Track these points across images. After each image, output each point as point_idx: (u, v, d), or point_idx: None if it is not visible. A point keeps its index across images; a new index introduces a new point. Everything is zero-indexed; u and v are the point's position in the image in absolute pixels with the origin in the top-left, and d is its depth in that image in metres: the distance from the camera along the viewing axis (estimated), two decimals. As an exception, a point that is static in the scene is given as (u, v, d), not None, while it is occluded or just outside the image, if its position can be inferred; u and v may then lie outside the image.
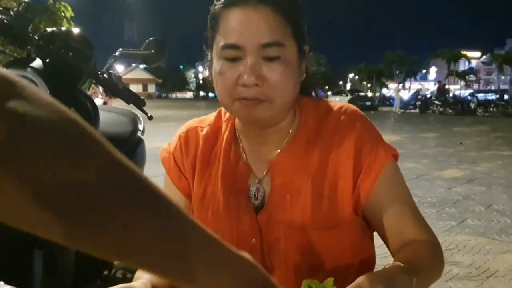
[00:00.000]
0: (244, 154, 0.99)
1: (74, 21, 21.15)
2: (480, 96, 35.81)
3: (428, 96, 30.54)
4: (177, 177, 1.03)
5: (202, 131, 1.04)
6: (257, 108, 0.87)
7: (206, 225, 0.98)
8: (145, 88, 76.68)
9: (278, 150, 0.96)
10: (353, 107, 0.99)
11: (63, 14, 19.91)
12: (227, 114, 1.03)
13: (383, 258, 1.05)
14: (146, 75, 70.60)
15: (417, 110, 28.19)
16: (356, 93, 36.05)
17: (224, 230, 0.92)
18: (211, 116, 1.06)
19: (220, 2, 0.89)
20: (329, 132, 0.95)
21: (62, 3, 20.14)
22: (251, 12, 0.85)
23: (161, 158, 1.06)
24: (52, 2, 19.78)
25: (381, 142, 0.95)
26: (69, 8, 20.22)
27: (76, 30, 1.84)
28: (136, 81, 69.14)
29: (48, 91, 1.60)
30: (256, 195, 0.96)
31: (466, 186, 5.96)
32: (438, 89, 28.87)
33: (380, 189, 0.91)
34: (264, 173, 0.96)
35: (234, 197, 0.95)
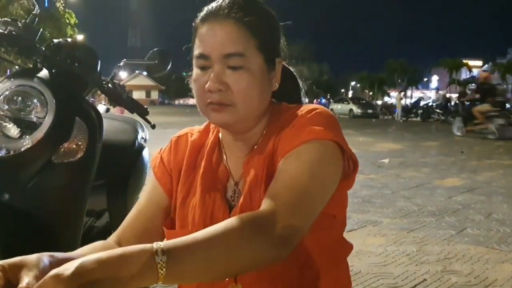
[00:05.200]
0: (225, 159, 1.07)
1: (78, 27, 21.28)
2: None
3: (430, 104, 30.52)
4: (161, 172, 1.10)
5: (191, 136, 1.12)
6: (223, 112, 0.96)
7: (186, 222, 1.03)
8: (148, 94, 76.83)
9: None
10: (319, 106, 1.01)
11: (67, 21, 20.04)
12: None
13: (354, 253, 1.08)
14: (149, 82, 70.75)
15: (418, 118, 28.17)
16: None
17: (199, 227, 0.96)
18: (204, 124, 1.15)
19: (198, 18, 1.00)
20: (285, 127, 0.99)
21: (67, 10, 20.28)
22: (217, 26, 0.96)
23: (151, 162, 1.15)
24: (60, 10, 19.89)
25: (310, 126, 0.94)
26: (73, 15, 20.35)
27: (80, 37, 1.88)
28: (139, 87, 69.27)
29: (54, 101, 1.64)
30: (233, 197, 1.03)
31: (466, 195, 5.97)
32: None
33: (284, 162, 0.92)
34: (240, 176, 1.03)
35: (210, 196, 1.02)
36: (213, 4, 0.99)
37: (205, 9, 1.00)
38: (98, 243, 1.00)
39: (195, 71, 0.99)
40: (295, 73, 1.17)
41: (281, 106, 1.06)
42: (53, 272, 0.62)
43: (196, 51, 0.98)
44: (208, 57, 0.96)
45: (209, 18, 0.97)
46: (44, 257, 0.71)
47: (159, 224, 1.07)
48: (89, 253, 0.89)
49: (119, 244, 1.03)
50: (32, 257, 0.70)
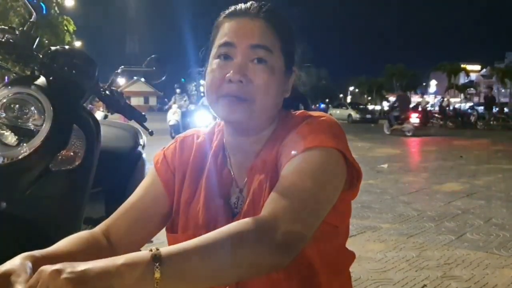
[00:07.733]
0: (229, 163, 1.06)
1: (76, 34, 21.29)
2: (480, 109, 35.78)
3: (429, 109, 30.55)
4: (163, 169, 1.09)
5: (197, 138, 1.11)
6: (238, 107, 0.96)
7: (189, 226, 1.02)
8: (146, 100, 76.92)
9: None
10: (324, 114, 1.01)
11: (65, 28, 20.06)
12: (221, 124, 1.10)
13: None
14: (147, 88, 70.83)
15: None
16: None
17: (201, 232, 0.95)
18: (210, 127, 1.14)
19: (224, 14, 1.03)
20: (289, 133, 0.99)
21: (65, 17, 20.31)
22: (247, 21, 0.99)
23: (154, 158, 1.13)
24: (56, 16, 19.91)
25: (313, 134, 0.93)
26: (72, 22, 20.37)
27: (78, 44, 1.89)
28: (138, 94, 69.35)
29: (51, 108, 1.64)
30: (236, 203, 1.02)
31: (465, 200, 5.96)
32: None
33: (287, 168, 0.91)
34: (244, 182, 1.02)
35: (213, 202, 1.01)
36: (241, 5, 1.02)
37: (231, 8, 1.03)
38: (83, 233, 0.98)
39: (215, 61, 0.99)
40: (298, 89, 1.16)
41: (287, 114, 1.06)
42: (55, 267, 0.63)
43: (221, 40, 0.99)
44: (234, 45, 0.97)
45: (239, 14, 1.00)
46: (26, 259, 0.74)
47: (151, 218, 1.06)
48: (72, 244, 0.90)
49: (107, 233, 1.02)
50: (15, 263, 0.72)
